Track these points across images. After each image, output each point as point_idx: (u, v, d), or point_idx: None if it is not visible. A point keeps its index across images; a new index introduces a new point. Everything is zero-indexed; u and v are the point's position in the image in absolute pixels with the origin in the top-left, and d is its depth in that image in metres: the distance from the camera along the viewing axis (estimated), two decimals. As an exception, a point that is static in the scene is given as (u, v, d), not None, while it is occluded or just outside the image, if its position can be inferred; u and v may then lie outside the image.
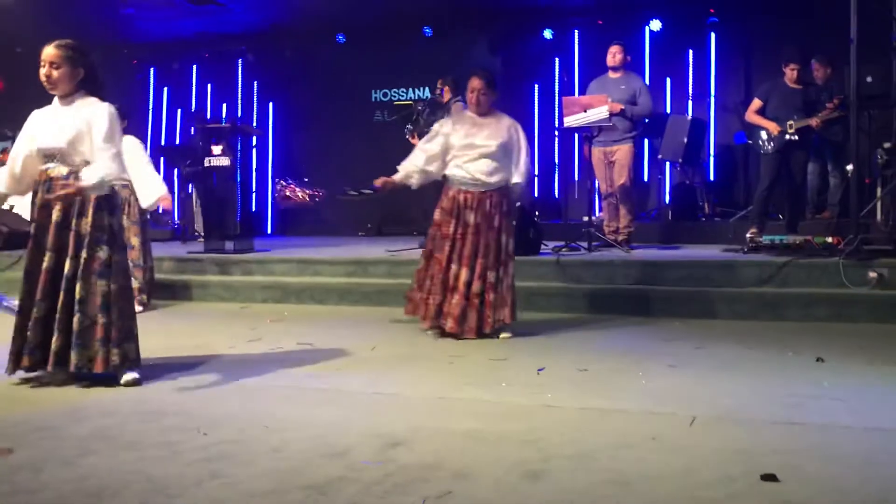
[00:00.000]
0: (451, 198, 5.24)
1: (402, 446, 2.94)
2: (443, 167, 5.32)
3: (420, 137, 8.11)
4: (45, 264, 3.90)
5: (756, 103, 7.39)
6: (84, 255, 3.88)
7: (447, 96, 8.04)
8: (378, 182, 5.45)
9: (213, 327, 5.80)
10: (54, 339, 3.84)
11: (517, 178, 5.25)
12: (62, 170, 3.91)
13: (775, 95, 7.28)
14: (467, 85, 5.30)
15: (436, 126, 5.50)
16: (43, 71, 3.93)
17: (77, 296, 3.86)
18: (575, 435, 3.07)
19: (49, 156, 3.93)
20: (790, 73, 7.22)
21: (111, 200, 4.03)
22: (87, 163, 3.91)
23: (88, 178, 3.85)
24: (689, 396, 3.65)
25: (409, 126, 8.34)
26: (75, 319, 3.84)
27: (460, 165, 5.20)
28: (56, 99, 4.01)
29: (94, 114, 3.92)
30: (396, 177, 5.42)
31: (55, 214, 3.91)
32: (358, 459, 2.79)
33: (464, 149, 5.19)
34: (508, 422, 3.28)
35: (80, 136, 3.90)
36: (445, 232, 5.20)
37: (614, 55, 7.69)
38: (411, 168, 5.39)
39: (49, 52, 3.93)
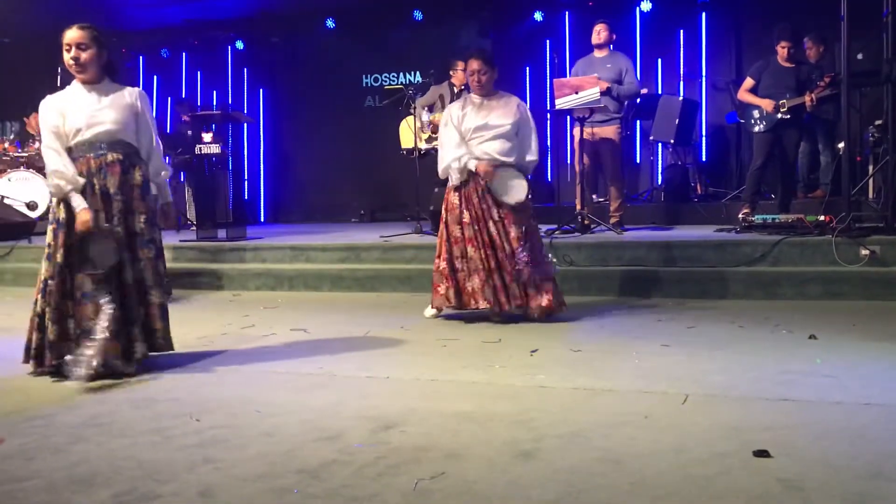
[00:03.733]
0: (472, 181, 5.19)
1: (395, 429, 2.94)
2: None
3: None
4: None
5: (748, 82, 7.37)
6: (147, 238, 4.00)
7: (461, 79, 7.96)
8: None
9: (205, 315, 5.79)
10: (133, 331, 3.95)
11: (531, 155, 5.26)
12: (116, 156, 3.91)
13: (768, 74, 7.25)
14: (466, 68, 5.28)
15: (444, 115, 5.45)
16: (70, 54, 3.89)
17: (148, 282, 3.99)
18: (567, 415, 3.08)
19: (98, 143, 3.89)
20: (782, 51, 7.19)
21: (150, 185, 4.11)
22: (131, 146, 3.97)
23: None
24: (681, 375, 3.66)
25: (424, 108, 8.20)
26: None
27: (476, 147, 5.17)
28: (80, 85, 3.96)
29: (137, 100, 4.00)
30: (455, 181, 5.22)
31: (116, 204, 3.91)
32: (350, 442, 2.79)
33: (478, 130, 5.17)
34: (501, 403, 3.28)
35: (129, 122, 3.96)
36: (474, 215, 5.15)
37: (599, 33, 7.64)
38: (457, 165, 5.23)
39: (75, 34, 3.90)
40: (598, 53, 7.69)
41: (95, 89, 3.95)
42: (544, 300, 5.10)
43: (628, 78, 7.55)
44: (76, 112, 3.89)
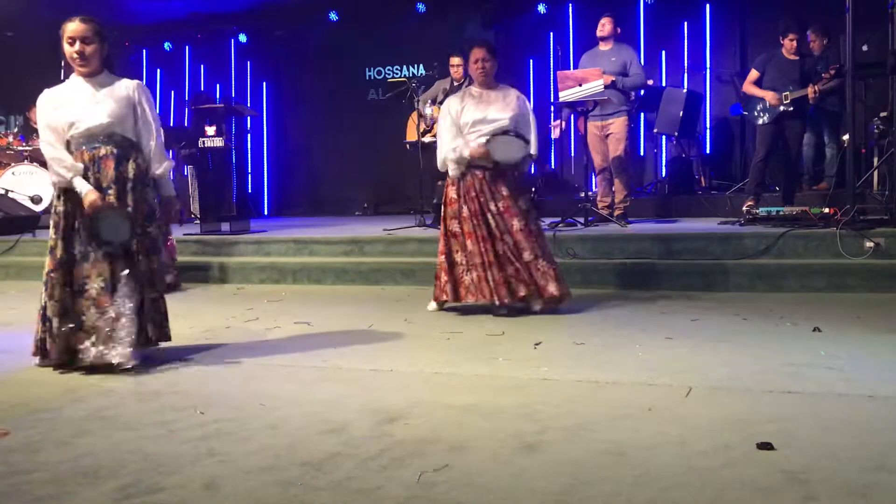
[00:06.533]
0: (469, 174, 5.17)
1: (399, 421, 2.94)
2: None
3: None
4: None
5: (753, 74, 7.36)
6: (139, 231, 3.92)
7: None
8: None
9: (209, 308, 5.79)
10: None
11: (532, 149, 5.23)
12: (109, 149, 3.87)
13: (772, 66, 7.23)
14: (468, 57, 5.27)
15: (443, 107, 5.44)
16: (73, 48, 3.83)
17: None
18: (571, 407, 3.07)
19: (94, 136, 3.86)
20: (789, 44, 7.16)
21: (146, 178, 4.01)
22: (126, 139, 3.90)
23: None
24: (685, 368, 3.65)
25: (426, 102, 8.21)
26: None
27: (474, 141, 5.15)
28: (79, 78, 3.93)
29: (135, 92, 3.94)
30: (453, 173, 5.20)
31: (108, 198, 3.84)
32: (355, 435, 2.79)
33: (477, 124, 5.15)
34: (505, 395, 3.28)
35: (126, 115, 3.90)
36: (473, 209, 5.12)
37: (603, 26, 7.67)
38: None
39: (78, 27, 3.84)
40: (602, 46, 7.71)
41: (93, 82, 3.91)
42: (553, 289, 5.09)
43: (633, 69, 7.55)
44: (71, 105, 3.87)
